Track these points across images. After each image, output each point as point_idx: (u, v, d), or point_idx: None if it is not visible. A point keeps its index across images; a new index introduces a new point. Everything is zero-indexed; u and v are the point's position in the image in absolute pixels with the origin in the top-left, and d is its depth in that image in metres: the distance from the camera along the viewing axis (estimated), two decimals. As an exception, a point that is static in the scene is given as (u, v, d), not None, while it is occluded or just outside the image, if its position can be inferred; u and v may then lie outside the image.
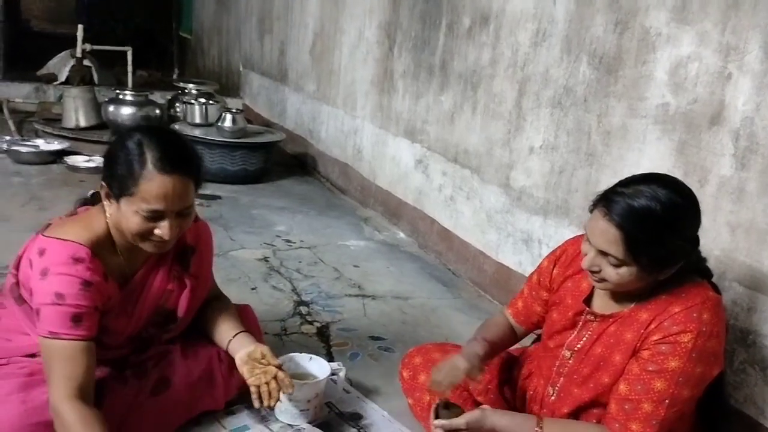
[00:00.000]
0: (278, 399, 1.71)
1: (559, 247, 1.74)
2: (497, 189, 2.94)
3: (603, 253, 1.41)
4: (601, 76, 2.35)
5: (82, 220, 1.61)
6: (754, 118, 1.81)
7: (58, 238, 1.51)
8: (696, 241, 1.47)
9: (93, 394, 1.50)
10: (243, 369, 1.72)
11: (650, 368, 1.41)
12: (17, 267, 1.60)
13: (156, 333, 1.77)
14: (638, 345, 1.45)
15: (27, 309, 1.58)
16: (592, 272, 1.46)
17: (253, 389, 1.69)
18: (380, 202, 4.03)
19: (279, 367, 1.73)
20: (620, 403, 1.44)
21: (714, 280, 1.86)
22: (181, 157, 1.54)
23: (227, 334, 1.81)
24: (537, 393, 1.69)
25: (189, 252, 1.77)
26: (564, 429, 1.55)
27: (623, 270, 1.40)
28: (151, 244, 1.56)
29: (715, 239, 1.91)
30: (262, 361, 1.73)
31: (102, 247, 1.55)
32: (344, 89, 4.47)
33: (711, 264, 1.88)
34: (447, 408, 1.59)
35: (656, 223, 1.35)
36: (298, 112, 5.30)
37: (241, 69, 6.85)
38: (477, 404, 1.76)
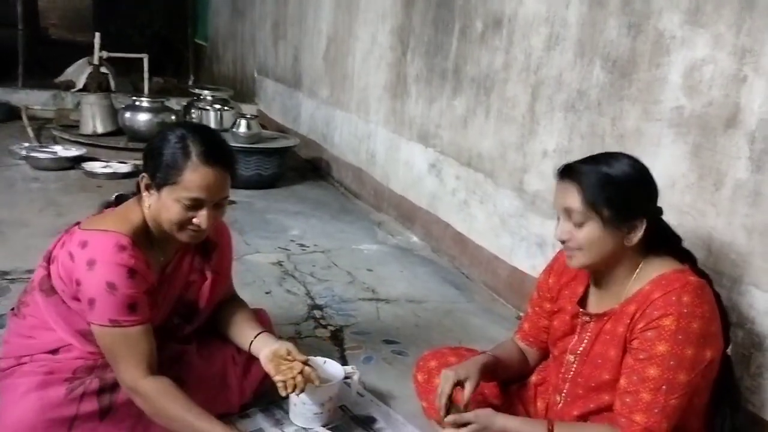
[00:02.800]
0: (303, 390, 1.74)
1: (552, 258, 1.79)
2: (511, 193, 2.94)
3: (568, 215, 1.49)
4: (615, 80, 2.34)
5: (117, 213, 1.68)
6: (769, 121, 1.80)
7: (97, 230, 1.57)
8: (652, 197, 1.52)
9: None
10: (269, 366, 1.75)
11: (641, 356, 1.43)
12: (48, 260, 1.65)
13: (180, 324, 1.81)
14: (628, 336, 1.48)
15: (57, 300, 1.63)
16: (565, 244, 1.52)
17: (279, 384, 1.72)
18: (394, 207, 4.04)
19: (305, 362, 1.76)
20: (622, 397, 1.45)
21: (730, 284, 1.87)
22: (222, 152, 1.64)
23: (249, 333, 1.84)
24: (550, 402, 1.70)
25: (210, 246, 1.83)
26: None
27: (588, 229, 1.47)
28: (187, 233, 1.64)
29: (731, 243, 1.89)
30: (288, 357, 1.76)
31: (140, 238, 1.62)
32: (357, 94, 4.49)
33: (726, 268, 1.88)
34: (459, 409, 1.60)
35: (606, 171, 1.47)
36: (312, 117, 5.33)
37: (255, 75, 6.90)
38: (493, 408, 1.75)
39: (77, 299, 1.59)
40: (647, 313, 1.44)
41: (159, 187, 1.60)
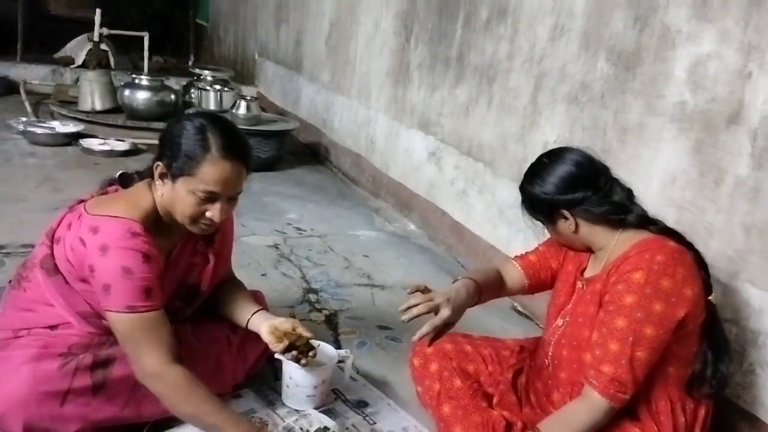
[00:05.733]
0: (304, 361, 1.81)
1: None
2: (510, 183, 2.93)
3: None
4: (619, 73, 2.33)
5: (127, 197, 1.65)
6: (773, 118, 1.80)
7: (108, 215, 1.55)
8: (556, 192, 1.61)
9: None
10: (269, 338, 1.78)
11: (610, 308, 1.48)
12: (51, 239, 1.63)
13: (182, 306, 1.81)
14: (603, 291, 1.53)
15: (59, 281, 1.61)
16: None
17: (278, 346, 1.76)
18: (392, 194, 4.03)
19: (309, 339, 1.81)
20: (592, 350, 1.50)
21: (726, 280, 1.87)
22: (241, 146, 1.62)
23: (247, 310, 1.86)
24: (536, 365, 1.75)
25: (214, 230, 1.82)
26: (557, 422, 1.55)
27: (551, 228, 1.68)
28: (199, 226, 1.64)
29: (729, 239, 1.89)
30: (292, 332, 1.79)
31: (150, 223, 1.61)
32: (359, 80, 4.46)
33: (723, 264, 1.88)
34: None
35: (522, 184, 1.70)
36: (312, 101, 5.30)
37: (256, 57, 6.86)
38: (487, 396, 1.76)
39: (85, 281, 1.57)
40: (620, 268, 1.49)
41: (174, 177, 1.58)
